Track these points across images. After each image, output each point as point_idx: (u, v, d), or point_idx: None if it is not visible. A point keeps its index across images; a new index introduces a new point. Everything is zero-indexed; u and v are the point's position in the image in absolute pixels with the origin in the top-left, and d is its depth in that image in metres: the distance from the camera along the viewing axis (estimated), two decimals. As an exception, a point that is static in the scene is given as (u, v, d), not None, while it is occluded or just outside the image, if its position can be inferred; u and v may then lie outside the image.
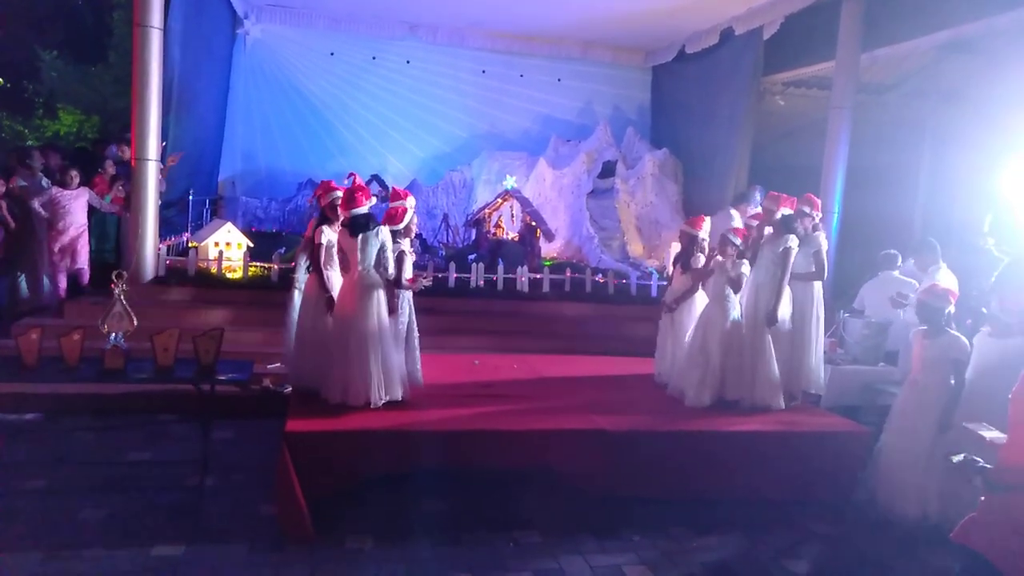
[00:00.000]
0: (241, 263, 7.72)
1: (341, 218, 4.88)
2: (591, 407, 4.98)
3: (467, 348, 6.74)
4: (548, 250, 10.14)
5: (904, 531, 4.48)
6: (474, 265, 8.21)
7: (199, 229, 8.84)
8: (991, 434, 2.98)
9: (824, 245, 5.55)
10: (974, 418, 4.13)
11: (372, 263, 4.65)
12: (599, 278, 8.55)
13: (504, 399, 5.11)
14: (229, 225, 8.23)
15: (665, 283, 7.07)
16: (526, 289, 8.19)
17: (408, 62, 11.68)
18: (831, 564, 4.27)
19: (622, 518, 4.44)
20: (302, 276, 5.11)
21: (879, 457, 4.74)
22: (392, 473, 4.32)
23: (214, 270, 7.64)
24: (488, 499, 4.57)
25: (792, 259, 5.27)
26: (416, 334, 4.97)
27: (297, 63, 11.37)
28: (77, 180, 7.40)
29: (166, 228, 8.21)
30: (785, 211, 5.41)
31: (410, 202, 4.94)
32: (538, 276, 8.37)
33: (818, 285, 5.54)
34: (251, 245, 8.08)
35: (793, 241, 5.28)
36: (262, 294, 7.41)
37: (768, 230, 5.55)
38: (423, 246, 9.56)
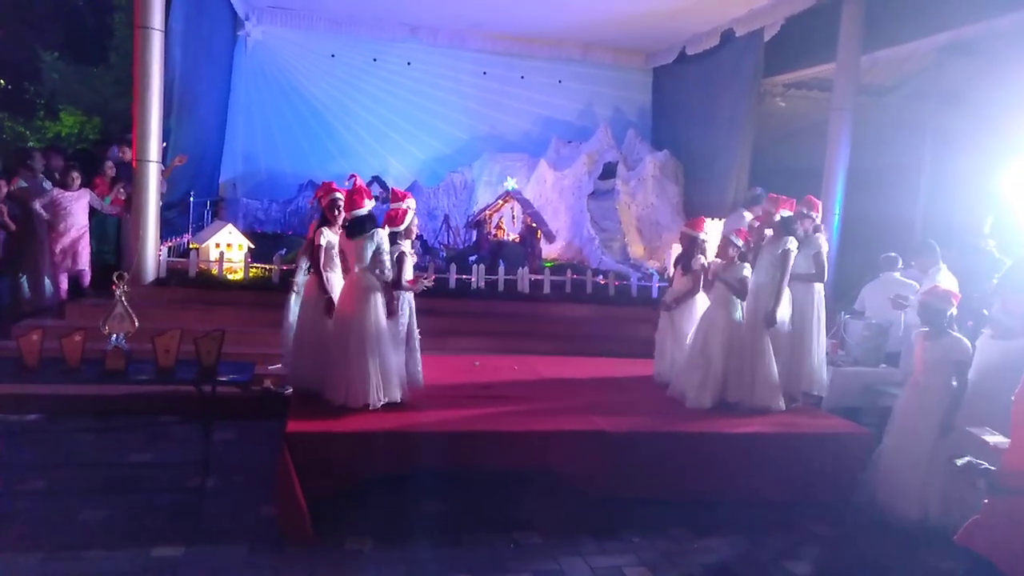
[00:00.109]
0: (242, 264, 7.73)
1: (341, 220, 4.90)
2: (591, 408, 4.98)
3: (467, 349, 6.74)
4: (549, 251, 10.14)
5: (905, 532, 4.47)
6: (475, 266, 8.22)
7: (200, 230, 8.85)
8: (994, 439, 2.98)
9: (824, 247, 5.55)
10: (976, 420, 4.14)
11: (368, 265, 4.66)
12: (600, 279, 8.55)
13: (504, 400, 5.11)
14: (230, 226, 8.24)
15: (666, 284, 7.08)
16: (527, 290, 8.19)
17: (409, 64, 11.70)
18: (831, 565, 4.26)
19: (622, 519, 4.44)
20: (301, 279, 5.11)
21: (880, 458, 4.74)
22: (392, 474, 4.32)
23: (215, 271, 7.64)
24: (488, 500, 4.57)
25: (791, 261, 5.26)
26: (417, 335, 4.97)
27: (298, 65, 11.39)
28: (78, 181, 7.41)
29: (167, 229, 8.22)
30: (784, 213, 5.41)
31: (410, 204, 4.94)
32: (539, 277, 8.37)
33: (818, 287, 5.54)
34: (252, 246, 8.09)
35: (792, 243, 5.28)
36: (263, 295, 7.41)
37: (768, 232, 5.54)
38: (424, 247, 9.56)
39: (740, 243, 5.38)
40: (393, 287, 4.71)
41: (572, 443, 4.50)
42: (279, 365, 5.71)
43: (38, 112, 14.47)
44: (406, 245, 4.81)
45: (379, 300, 4.64)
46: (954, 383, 4.47)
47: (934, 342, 4.57)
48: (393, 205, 4.93)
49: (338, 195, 4.94)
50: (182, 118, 8.76)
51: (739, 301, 5.31)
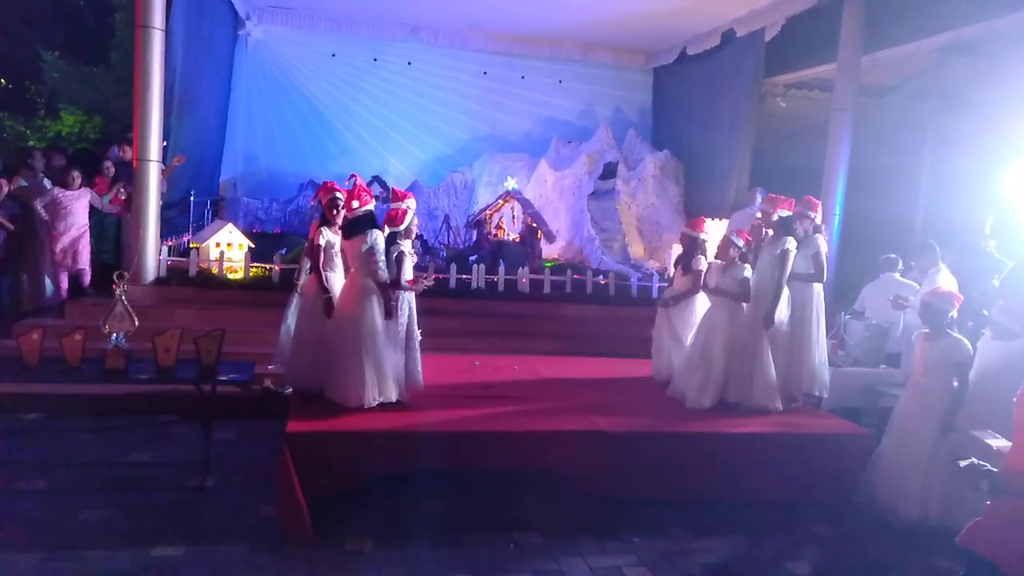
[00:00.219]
0: (242, 264, 7.73)
1: (340, 220, 4.91)
2: (591, 408, 4.98)
3: (468, 349, 6.74)
4: (549, 251, 10.15)
5: (905, 533, 4.47)
6: (475, 266, 8.22)
7: (200, 230, 8.85)
8: (998, 443, 2.98)
9: (823, 247, 5.54)
10: (976, 421, 4.14)
11: (363, 265, 4.68)
12: (600, 279, 8.55)
13: (504, 400, 5.11)
14: (230, 226, 8.24)
15: (666, 284, 7.08)
16: (527, 290, 8.20)
17: (409, 64, 11.71)
18: (831, 565, 4.26)
19: (622, 519, 4.44)
20: (303, 279, 5.12)
21: (880, 459, 4.74)
22: (392, 474, 4.32)
23: (215, 271, 7.64)
24: (488, 500, 4.57)
25: (790, 261, 5.26)
26: (417, 336, 4.94)
27: (298, 64, 11.39)
28: (79, 181, 7.41)
29: (167, 229, 8.22)
30: (782, 213, 5.41)
31: (410, 203, 4.94)
32: (539, 277, 8.38)
33: (818, 287, 5.54)
34: (252, 246, 8.09)
35: (791, 243, 5.28)
36: (263, 295, 7.42)
37: (768, 232, 5.54)
38: (424, 247, 9.57)
39: (741, 243, 5.38)
40: (393, 287, 4.71)
41: (572, 443, 4.50)
42: (277, 364, 5.70)
43: (39, 111, 14.48)
44: (406, 245, 4.81)
45: (376, 300, 4.64)
46: (955, 384, 4.47)
47: (934, 343, 4.57)
48: (393, 205, 4.93)
49: (338, 195, 4.94)
50: (182, 117, 8.76)
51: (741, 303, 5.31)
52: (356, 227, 4.73)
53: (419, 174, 11.69)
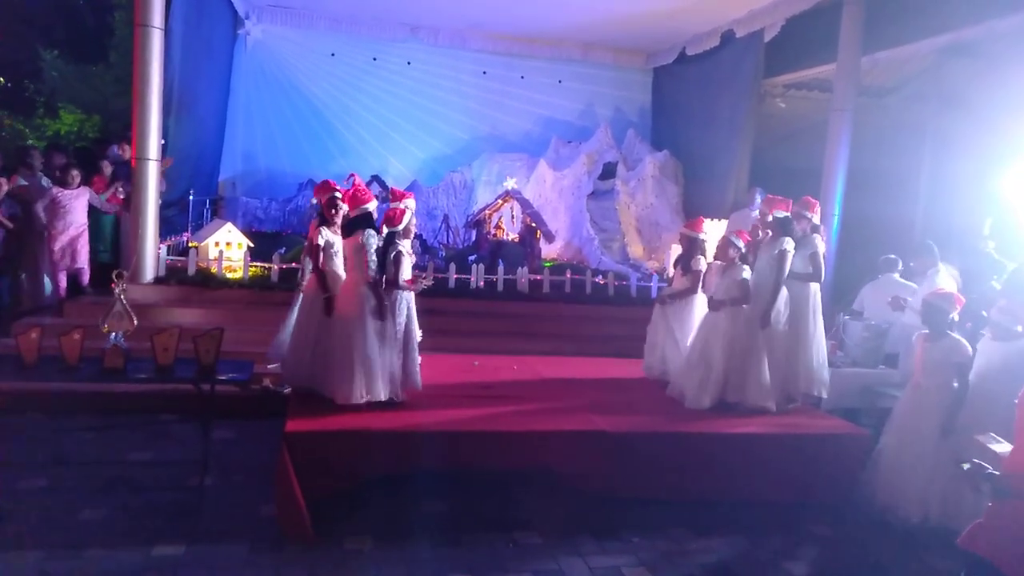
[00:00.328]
0: (241, 263, 7.72)
1: (340, 219, 4.92)
2: (591, 408, 4.98)
3: (467, 349, 6.73)
4: (548, 251, 10.15)
5: (905, 533, 4.48)
6: (474, 266, 8.22)
7: (199, 229, 8.84)
8: (1001, 447, 2.97)
9: (821, 248, 5.54)
10: (976, 422, 4.14)
11: (356, 264, 4.68)
12: (599, 279, 8.55)
13: (504, 400, 5.11)
14: (229, 225, 8.22)
15: (665, 284, 7.08)
16: (526, 290, 8.20)
17: (409, 63, 11.70)
18: (831, 566, 4.27)
19: (622, 519, 4.45)
20: (305, 279, 5.12)
21: (880, 459, 4.74)
22: (392, 474, 4.32)
23: (214, 270, 7.64)
24: (488, 500, 4.57)
25: (788, 261, 5.27)
26: (415, 336, 4.90)
27: (298, 64, 11.39)
28: (78, 180, 7.40)
29: (166, 228, 8.21)
30: (778, 213, 5.41)
31: (409, 203, 4.93)
32: (538, 277, 8.38)
33: (815, 287, 5.54)
34: (251, 245, 8.08)
35: (789, 243, 5.28)
36: (262, 294, 7.42)
37: (768, 232, 5.55)
38: (423, 247, 9.57)
39: (741, 244, 5.38)
40: (390, 287, 4.71)
41: (572, 443, 4.51)
42: (277, 364, 5.70)
43: (38, 110, 14.46)
44: (405, 245, 4.81)
45: (368, 299, 4.64)
46: (955, 385, 4.47)
47: (934, 344, 4.58)
48: (392, 205, 4.93)
49: (337, 194, 4.95)
50: (182, 116, 8.75)
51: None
52: (353, 227, 4.76)
53: (418, 174, 11.69)
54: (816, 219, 5.57)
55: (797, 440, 4.83)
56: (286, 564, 3.77)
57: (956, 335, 4.57)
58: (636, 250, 10.13)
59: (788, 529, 4.57)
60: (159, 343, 4.40)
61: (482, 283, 8.11)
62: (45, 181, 7.54)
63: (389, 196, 5.22)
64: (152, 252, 7.36)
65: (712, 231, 6.51)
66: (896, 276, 6.66)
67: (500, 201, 9.81)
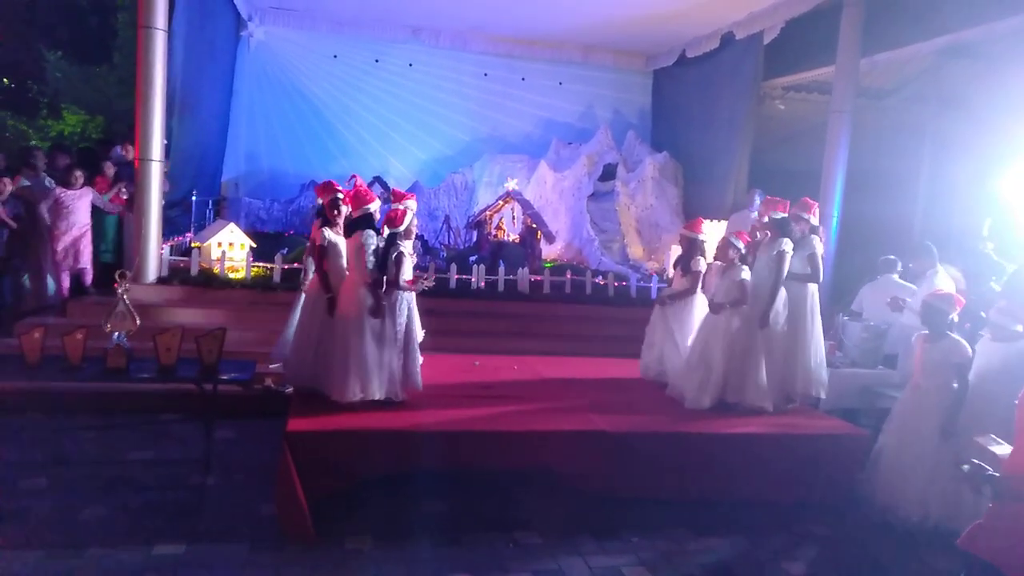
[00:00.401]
0: (244, 263, 7.75)
1: (343, 219, 4.94)
2: (591, 408, 5.00)
3: (468, 349, 6.75)
4: (549, 252, 10.17)
5: (904, 533, 4.49)
6: (475, 266, 8.24)
7: (202, 229, 8.87)
8: (1001, 449, 2.99)
9: (819, 249, 5.55)
10: (976, 423, 4.15)
11: (356, 264, 4.71)
12: (599, 280, 8.57)
13: (504, 400, 5.13)
14: (232, 226, 8.25)
15: (665, 285, 7.10)
16: (527, 291, 8.22)
17: (411, 65, 11.72)
18: (830, 566, 4.28)
19: (621, 519, 4.46)
20: (308, 279, 5.15)
21: (879, 460, 4.75)
22: (392, 473, 4.34)
23: (217, 270, 7.67)
24: (488, 500, 4.59)
25: (786, 262, 5.28)
26: (416, 336, 4.91)
27: (300, 65, 11.41)
28: (81, 180, 7.43)
29: (169, 228, 8.24)
30: (774, 215, 5.43)
31: (410, 204, 4.96)
32: (539, 278, 8.40)
33: (814, 288, 5.56)
34: (254, 246, 8.11)
35: (787, 244, 5.29)
36: (264, 295, 7.45)
37: (767, 233, 5.57)
38: (424, 247, 9.59)
39: (740, 245, 5.40)
40: (392, 287, 4.73)
41: (572, 443, 4.52)
42: (279, 364, 5.73)
43: (41, 111, 14.52)
44: (407, 246, 4.83)
45: (366, 299, 4.67)
46: (954, 386, 4.48)
47: (934, 345, 4.59)
48: (393, 206, 4.95)
49: (339, 194, 4.97)
50: (185, 117, 8.78)
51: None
52: (354, 227, 4.80)
53: (420, 175, 11.71)
54: (814, 220, 5.58)
55: (796, 440, 4.85)
56: (286, 564, 3.79)
57: (956, 336, 4.59)
58: (636, 251, 10.15)
59: (787, 529, 4.59)
60: (162, 343, 4.43)
61: (483, 283, 8.13)
62: (49, 181, 7.57)
63: (390, 197, 5.24)
64: (155, 252, 7.39)
65: (711, 232, 6.52)
66: (895, 277, 6.67)
67: (501, 202, 9.84)
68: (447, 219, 10.91)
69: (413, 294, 4.85)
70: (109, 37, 14.15)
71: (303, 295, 5.13)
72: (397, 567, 3.84)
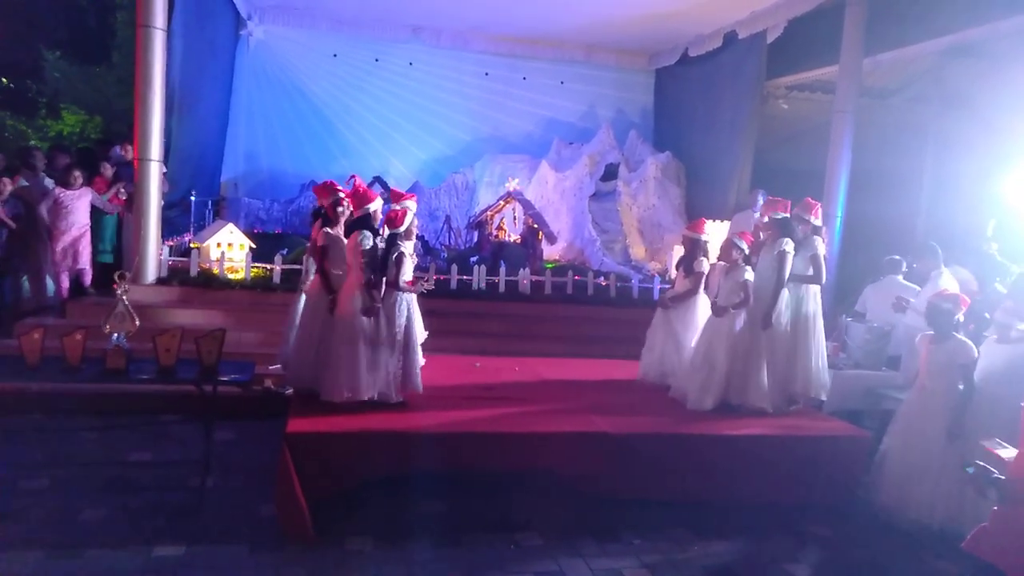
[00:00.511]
0: (243, 264, 7.73)
1: (344, 219, 4.92)
2: (592, 410, 4.97)
3: (468, 350, 6.74)
4: (550, 252, 10.14)
5: (906, 535, 4.47)
6: (476, 267, 8.22)
7: (201, 230, 8.85)
8: (1007, 452, 2.97)
9: (822, 249, 5.52)
10: (980, 424, 4.13)
11: (353, 264, 4.68)
12: (601, 281, 8.55)
13: (505, 401, 5.10)
14: (231, 226, 8.23)
15: (667, 286, 7.07)
16: (528, 291, 8.19)
17: (411, 64, 11.70)
18: (832, 568, 4.26)
19: (623, 521, 4.44)
20: (308, 280, 5.12)
21: (884, 461, 4.73)
22: (393, 474, 4.32)
23: (216, 271, 7.64)
24: (489, 501, 4.56)
25: (788, 262, 5.26)
26: (417, 337, 4.86)
27: (300, 64, 11.39)
28: (80, 180, 7.41)
29: (168, 229, 8.22)
30: (775, 215, 5.41)
31: (409, 204, 4.92)
32: (540, 279, 8.37)
33: (816, 289, 5.53)
34: (253, 246, 8.09)
35: (788, 244, 5.27)
36: (264, 295, 7.43)
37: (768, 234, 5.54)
38: (425, 248, 9.57)
39: (744, 246, 5.36)
40: (391, 288, 4.70)
41: (573, 444, 4.50)
42: (278, 365, 5.71)
43: (40, 111, 14.50)
44: (408, 247, 4.80)
45: (360, 299, 4.64)
46: (960, 387, 4.45)
47: (939, 346, 4.56)
48: (393, 206, 4.92)
49: (341, 194, 4.96)
50: (184, 117, 8.76)
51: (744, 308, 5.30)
52: (352, 227, 4.79)
53: (420, 175, 11.69)
54: (816, 221, 5.55)
55: (798, 442, 4.82)
56: (286, 564, 3.77)
57: (961, 337, 4.56)
58: (638, 251, 10.12)
59: (789, 531, 4.56)
60: (161, 344, 4.41)
61: (484, 284, 8.11)
62: (48, 182, 7.55)
63: (390, 197, 5.21)
64: (154, 253, 7.37)
65: (714, 233, 6.50)
66: (899, 278, 6.64)
67: (502, 202, 9.81)
68: (448, 219, 10.89)
69: (414, 295, 4.83)
70: (108, 36, 14.13)
71: (303, 296, 5.11)
72: (397, 568, 3.82)
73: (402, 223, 4.78)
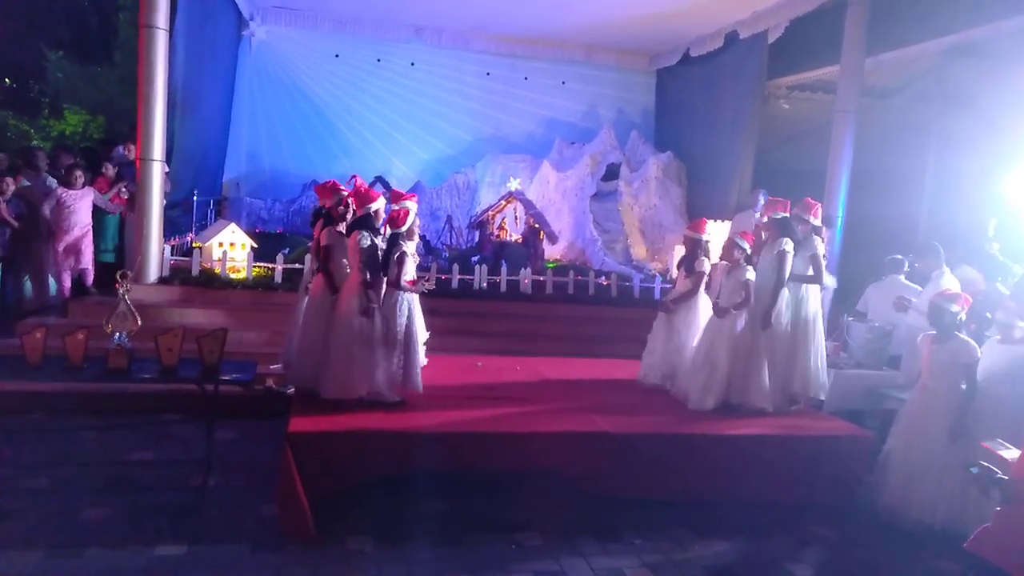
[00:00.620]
0: (245, 264, 7.74)
1: (348, 219, 4.93)
2: (594, 409, 4.97)
3: (470, 350, 6.74)
4: (551, 252, 10.14)
5: (908, 535, 4.46)
6: (477, 267, 8.22)
7: (203, 229, 8.86)
8: (1010, 453, 2.96)
9: (821, 249, 5.51)
10: (982, 425, 4.12)
11: (351, 264, 4.70)
12: (602, 280, 8.55)
13: (506, 401, 5.10)
14: (233, 226, 8.24)
15: (668, 286, 7.06)
16: (529, 291, 8.19)
17: (413, 64, 11.71)
18: (834, 568, 4.25)
19: (624, 520, 4.44)
20: (307, 278, 5.13)
21: (887, 462, 4.72)
22: (394, 474, 4.32)
23: (218, 271, 7.65)
24: (490, 501, 4.56)
25: (788, 262, 5.25)
26: (418, 337, 4.84)
27: (302, 65, 11.40)
28: (82, 180, 7.42)
29: (170, 228, 8.23)
30: (775, 215, 5.40)
31: (410, 205, 4.92)
32: (541, 278, 8.37)
33: (816, 288, 5.52)
34: (255, 246, 8.09)
35: (788, 244, 5.27)
36: (266, 295, 7.43)
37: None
38: (427, 248, 9.57)
39: (746, 245, 5.36)
40: (392, 288, 4.71)
41: (574, 444, 4.50)
42: (279, 364, 5.72)
43: (43, 111, 14.53)
44: (410, 247, 4.80)
45: (356, 299, 4.65)
46: (963, 387, 4.45)
47: (941, 345, 4.56)
48: (395, 206, 4.92)
49: (344, 194, 4.96)
50: (186, 117, 8.77)
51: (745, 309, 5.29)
52: (352, 227, 4.80)
53: (422, 175, 11.69)
54: (816, 221, 5.54)
55: (799, 442, 4.82)
56: (287, 564, 3.77)
57: (964, 336, 4.55)
58: (639, 251, 10.12)
59: (791, 531, 4.56)
60: (163, 343, 4.41)
61: (485, 284, 8.11)
62: (50, 181, 7.56)
63: (391, 197, 5.21)
64: (156, 252, 7.38)
65: (715, 233, 6.49)
66: (901, 278, 6.62)
67: (503, 202, 9.81)
68: (449, 219, 10.89)
69: (416, 295, 4.82)
70: (110, 36, 14.15)
71: (306, 296, 5.11)
72: (398, 567, 3.82)
73: (404, 223, 4.78)
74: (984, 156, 8.57)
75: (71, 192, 7.33)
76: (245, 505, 4.41)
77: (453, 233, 10.71)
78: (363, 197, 4.83)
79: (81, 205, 7.38)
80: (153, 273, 7.35)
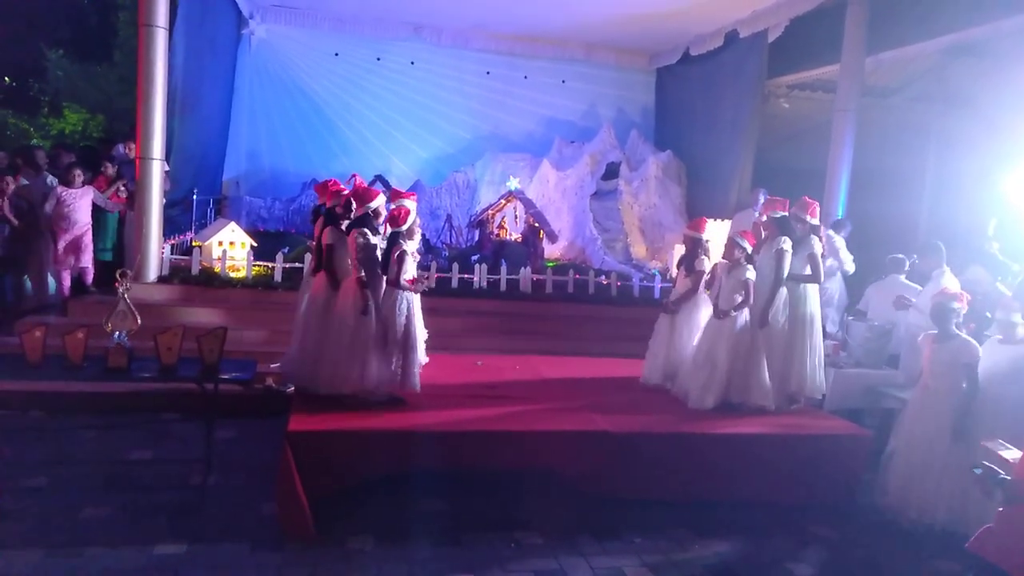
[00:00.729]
0: (245, 263, 7.73)
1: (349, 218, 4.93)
2: (593, 408, 4.97)
3: (470, 349, 6.74)
4: (551, 251, 10.14)
5: (908, 535, 4.46)
6: (477, 266, 8.21)
7: (203, 228, 8.86)
8: (1011, 453, 2.96)
9: (818, 248, 5.51)
10: (983, 425, 4.12)
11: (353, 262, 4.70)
12: (602, 280, 8.54)
13: (506, 400, 5.10)
14: (233, 224, 8.23)
15: (668, 285, 7.06)
16: (529, 290, 8.19)
17: (412, 63, 11.70)
18: (834, 567, 4.25)
19: (623, 520, 4.44)
20: (308, 277, 5.13)
21: (889, 461, 4.72)
22: (394, 473, 4.32)
23: (218, 269, 7.65)
24: (489, 500, 4.57)
25: (786, 261, 5.25)
26: (417, 337, 4.81)
27: (302, 63, 11.39)
28: (81, 179, 7.42)
29: (170, 227, 8.23)
30: (773, 214, 5.39)
31: (410, 204, 4.91)
32: (541, 277, 8.37)
33: (814, 288, 5.52)
34: (255, 245, 8.09)
35: (786, 243, 5.26)
36: (265, 294, 7.43)
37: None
38: (427, 247, 9.56)
39: (747, 245, 5.35)
40: (392, 287, 4.70)
41: (574, 443, 4.50)
42: (279, 363, 5.72)
43: (42, 109, 14.52)
44: (411, 246, 4.79)
45: (352, 298, 4.65)
46: (964, 386, 4.44)
47: (942, 345, 4.55)
48: (394, 205, 4.91)
49: (345, 193, 4.96)
50: (186, 116, 8.76)
51: (745, 309, 5.29)
52: (351, 226, 4.80)
53: (421, 173, 11.69)
54: (814, 220, 5.53)
55: (799, 441, 4.82)
56: (287, 563, 3.77)
57: (965, 335, 4.55)
58: (639, 250, 10.12)
59: (790, 530, 4.56)
60: (163, 342, 4.41)
61: (485, 283, 8.11)
62: (50, 180, 7.56)
63: (391, 196, 5.20)
64: (156, 251, 7.38)
65: (715, 232, 6.49)
66: (901, 277, 6.62)
67: (503, 201, 9.81)
68: (449, 218, 10.89)
69: (416, 295, 4.81)
70: (110, 35, 14.15)
71: (306, 296, 5.11)
72: (398, 567, 3.82)
73: (404, 222, 4.77)
74: (984, 156, 8.57)
75: (71, 191, 7.32)
76: (245, 504, 4.41)
77: (453, 232, 10.71)
78: (362, 196, 4.83)
79: (81, 204, 7.38)
80: (153, 272, 7.35)
